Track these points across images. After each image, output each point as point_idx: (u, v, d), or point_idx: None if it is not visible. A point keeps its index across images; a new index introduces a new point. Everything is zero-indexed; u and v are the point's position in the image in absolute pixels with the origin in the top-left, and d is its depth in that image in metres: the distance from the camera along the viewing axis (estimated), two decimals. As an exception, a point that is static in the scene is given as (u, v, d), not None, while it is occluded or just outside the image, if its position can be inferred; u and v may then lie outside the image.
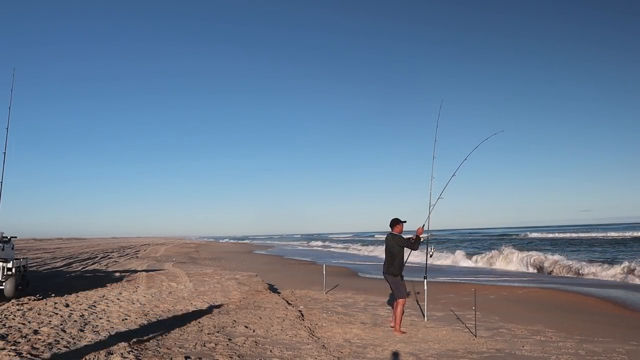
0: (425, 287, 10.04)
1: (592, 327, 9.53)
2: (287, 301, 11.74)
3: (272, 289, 14.62)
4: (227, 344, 6.83)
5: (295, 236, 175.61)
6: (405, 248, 8.86)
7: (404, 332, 8.63)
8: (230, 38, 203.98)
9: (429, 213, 9.82)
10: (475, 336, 8.41)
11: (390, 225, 9.05)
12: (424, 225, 9.31)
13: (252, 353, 6.40)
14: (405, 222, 8.99)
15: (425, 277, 10.00)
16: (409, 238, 8.92)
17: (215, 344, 6.79)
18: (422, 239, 9.01)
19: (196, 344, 6.76)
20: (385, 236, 9.21)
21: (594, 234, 64.40)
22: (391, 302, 10.36)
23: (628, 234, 57.97)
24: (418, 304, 12.22)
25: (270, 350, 6.61)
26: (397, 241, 8.79)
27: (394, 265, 8.79)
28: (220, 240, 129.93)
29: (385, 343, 7.71)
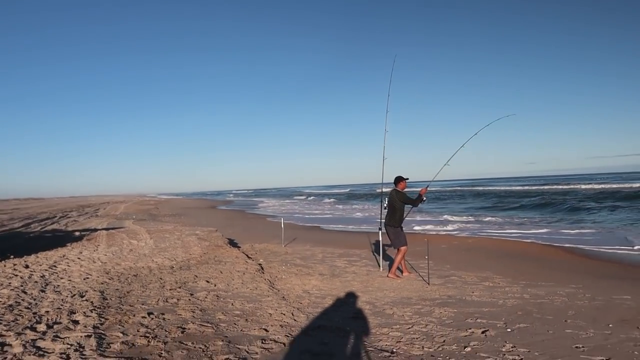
0: (380, 238, 10.38)
1: (537, 272, 10.11)
2: (247, 255, 11.96)
3: (232, 243, 14.83)
4: (189, 299, 7.00)
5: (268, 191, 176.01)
6: (406, 204, 9.62)
7: (398, 277, 9.49)
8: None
9: (382, 166, 10.10)
10: (429, 284, 8.83)
11: (394, 182, 9.78)
12: (427, 187, 9.89)
13: (214, 307, 6.58)
14: (407, 179, 9.73)
15: (380, 229, 10.32)
16: (412, 196, 9.66)
17: (178, 299, 6.95)
18: (424, 199, 9.64)
19: (158, 300, 6.91)
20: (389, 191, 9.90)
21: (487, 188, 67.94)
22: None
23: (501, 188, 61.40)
24: (374, 254, 12.66)
25: (232, 304, 6.80)
26: (400, 197, 9.57)
27: (394, 218, 9.59)
28: (180, 197, 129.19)
29: (342, 293, 8.04)
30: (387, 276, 9.59)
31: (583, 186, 54.40)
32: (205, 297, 7.16)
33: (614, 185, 51.28)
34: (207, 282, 8.36)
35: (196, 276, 8.87)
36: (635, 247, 13.39)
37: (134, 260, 10.72)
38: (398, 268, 9.70)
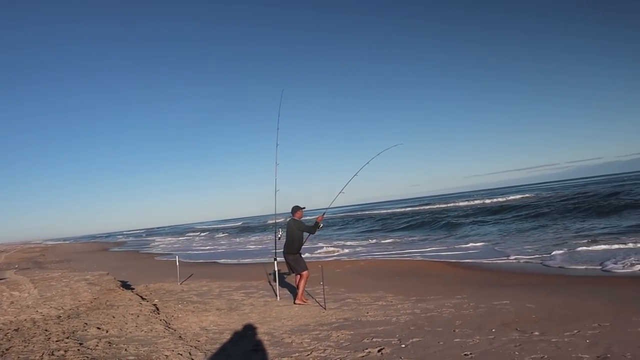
0: (276, 268, 10.49)
1: (425, 288, 10.67)
2: (141, 296, 11.53)
3: (125, 285, 14.23)
4: (79, 349, 6.64)
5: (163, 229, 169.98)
6: (304, 232, 9.84)
7: (305, 302, 9.71)
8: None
9: (275, 198, 10.28)
10: (325, 309, 9.02)
11: (291, 212, 9.96)
12: (324, 214, 10.11)
13: (105, 355, 6.30)
14: (304, 208, 10.00)
15: (275, 259, 10.43)
16: (309, 224, 9.91)
17: (65, 351, 6.56)
18: (320, 226, 9.85)
19: (43, 354, 6.48)
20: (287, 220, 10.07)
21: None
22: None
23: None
24: (270, 284, 12.70)
25: (126, 349, 6.54)
26: (297, 226, 9.79)
27: (293, 246, 9.77)
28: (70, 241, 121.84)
29: (241, 326, 8.00)
30: (295, 302, 9.71)
31: (461, 203, 57.77)
32: (96, 345, 6.83)
33: (487, 201, 54.82)
34: (98, 328, 7.97)
35: (86, 324, 8.42)
36: (511, 257, 14.54)
37: (15, 314, 9.96)
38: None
